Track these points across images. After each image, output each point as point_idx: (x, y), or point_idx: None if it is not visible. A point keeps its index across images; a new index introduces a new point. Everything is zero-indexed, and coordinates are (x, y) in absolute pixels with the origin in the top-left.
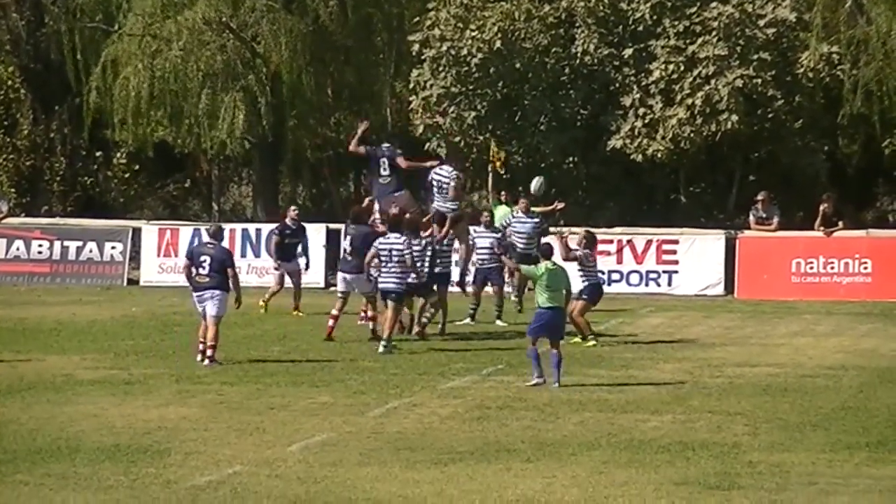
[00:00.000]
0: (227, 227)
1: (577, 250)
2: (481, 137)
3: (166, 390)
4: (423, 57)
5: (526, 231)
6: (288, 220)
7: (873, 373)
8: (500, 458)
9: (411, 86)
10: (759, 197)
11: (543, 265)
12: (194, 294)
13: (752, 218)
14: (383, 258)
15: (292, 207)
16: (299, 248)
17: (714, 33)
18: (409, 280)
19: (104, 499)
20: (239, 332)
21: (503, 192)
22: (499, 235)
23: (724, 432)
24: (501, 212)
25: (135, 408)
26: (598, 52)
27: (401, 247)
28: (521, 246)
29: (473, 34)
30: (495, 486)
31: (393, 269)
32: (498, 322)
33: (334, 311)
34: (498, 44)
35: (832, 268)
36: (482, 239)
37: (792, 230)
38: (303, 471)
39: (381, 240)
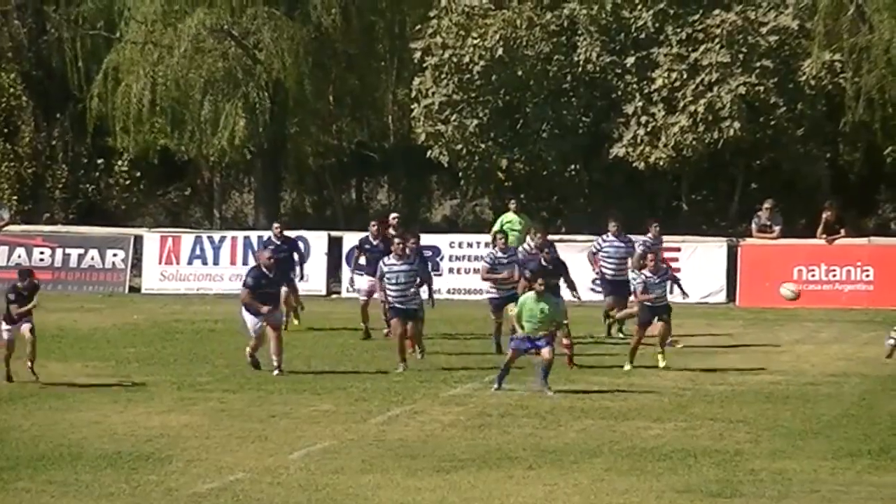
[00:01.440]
0: (228, 235)
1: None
2: (483, 145)
3: (168, 398)
4: (424, 64)
5: (618, 255)
6: (273, 238)
7: (875, 380)
8: (501, 465)
9: (413, 93)
10: (766, 205)
11: (529, 296)
12: None
13: (753, 226)
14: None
15: (275, 224)
16: (296, 259)
17: (716, 41)
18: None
19: None
20: (241, 340)
21: (513, 202)
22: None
23: (725, 440)
24: (507, 220)
25: (136, 415)
26: (600, 59)
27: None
28: (612, 272)
29: (475, 42)
30: (497, 493)
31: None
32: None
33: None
34: (500, 51)
35: (834, 275)
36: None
37: (794, 238)
38: (304, 478)
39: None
